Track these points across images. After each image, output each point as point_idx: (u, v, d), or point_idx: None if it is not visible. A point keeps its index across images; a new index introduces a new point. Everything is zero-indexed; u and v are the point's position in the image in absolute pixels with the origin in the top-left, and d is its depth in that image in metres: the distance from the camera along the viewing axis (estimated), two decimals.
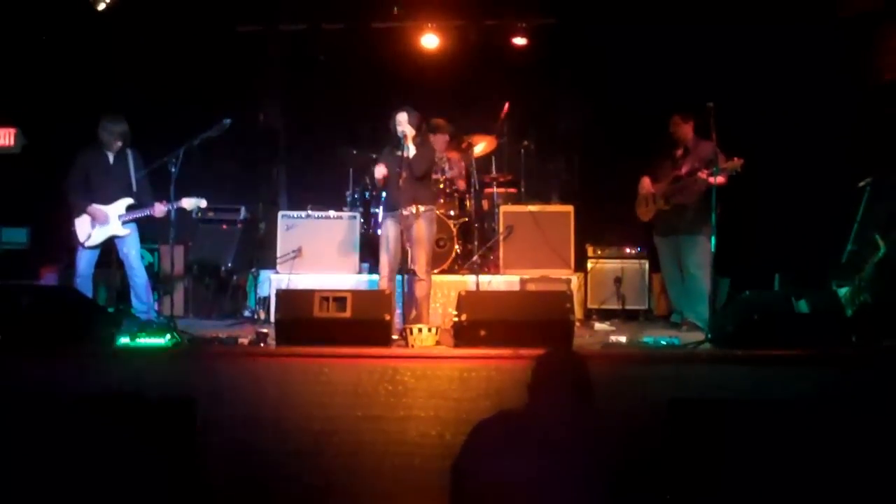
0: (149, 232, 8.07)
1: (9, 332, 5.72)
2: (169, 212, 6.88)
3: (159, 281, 8.28)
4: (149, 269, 8.01)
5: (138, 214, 7.17)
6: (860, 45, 7.89)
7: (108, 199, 7.16)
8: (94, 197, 7.16)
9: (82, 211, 7.13)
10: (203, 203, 7.12)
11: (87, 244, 7.13)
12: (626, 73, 8.76)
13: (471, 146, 8.56)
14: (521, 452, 3.07)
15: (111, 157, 7.25)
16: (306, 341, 5.61)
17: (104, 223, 7.12)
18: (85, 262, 7.18)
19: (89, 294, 7.04)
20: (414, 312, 6.83)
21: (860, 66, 7.88)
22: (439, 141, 8.11)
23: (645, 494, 3.10)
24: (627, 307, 8.33)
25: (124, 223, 7.18)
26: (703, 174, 6.94)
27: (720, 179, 6.67)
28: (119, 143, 7.20)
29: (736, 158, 6.67)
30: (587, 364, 3.39)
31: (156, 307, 7.59)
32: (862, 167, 7.35)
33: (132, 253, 7.27)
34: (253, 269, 8.53)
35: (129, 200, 7.18)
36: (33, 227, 8.84)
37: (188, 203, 6.96)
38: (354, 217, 8.38)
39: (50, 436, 3.91)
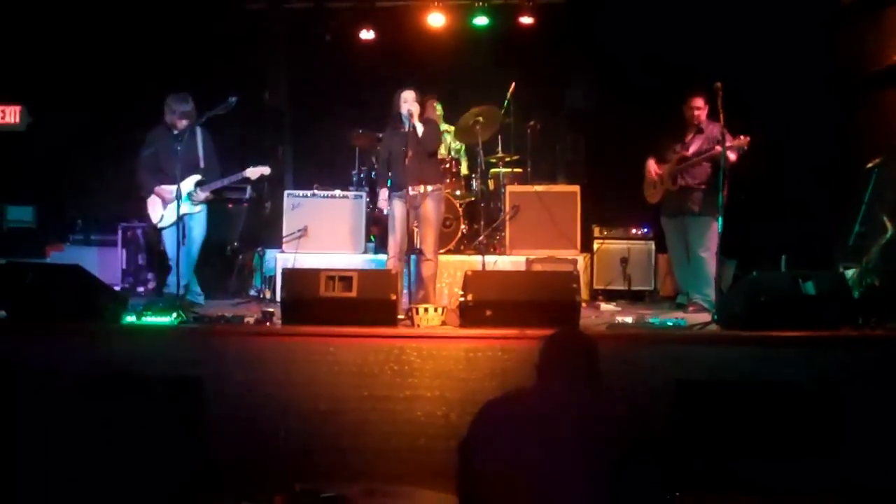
0: None
1: (16, 310, 5.73)
2: (178, 191, 6.82)
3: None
4: (155, 247, 8.02)
5: (209, 189, 7.14)
6: (866, 28, 7.84)
7: (176, 177, 6.97)
8: (162, 175, 7.11)
9: (150, 191, 7.14)
10: (267, 171, 7.11)
11: (161, 225, 7.17)
12: (634, 53, 8.72)
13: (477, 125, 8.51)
14: (526, 432, 3.07)
15: (178, 136, 7.11)
16: (312, 321, 5.59)
17: (173, 202, 6.99)
18: (168, 244, 7.22)
19: (175, 271, 6.89)
20: (421, 292, 6.83)
21: (868, 48, 7.83)
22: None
23: (651, 475, 3.11)
24: (633, 288, 8.32)
25: (196, 202, 7.15)
26: (719, 148, 6.83)
27: (732, 157, 6.67)
28: (184, 122, 7.08)
29: (742, 136, 6.70)
30: (594, 344, 3.39)
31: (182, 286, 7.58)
32: (870, 149, 7.31)
33: (196, 230, 7.23)
34: (259, 248, 8.50)
35: (196, 177, 7.13)
36: (39, 206, 8.83)
37: (252, 172, 7.00)
38: (360, 196, 8.37)
39: (55, 413, 3.93)
